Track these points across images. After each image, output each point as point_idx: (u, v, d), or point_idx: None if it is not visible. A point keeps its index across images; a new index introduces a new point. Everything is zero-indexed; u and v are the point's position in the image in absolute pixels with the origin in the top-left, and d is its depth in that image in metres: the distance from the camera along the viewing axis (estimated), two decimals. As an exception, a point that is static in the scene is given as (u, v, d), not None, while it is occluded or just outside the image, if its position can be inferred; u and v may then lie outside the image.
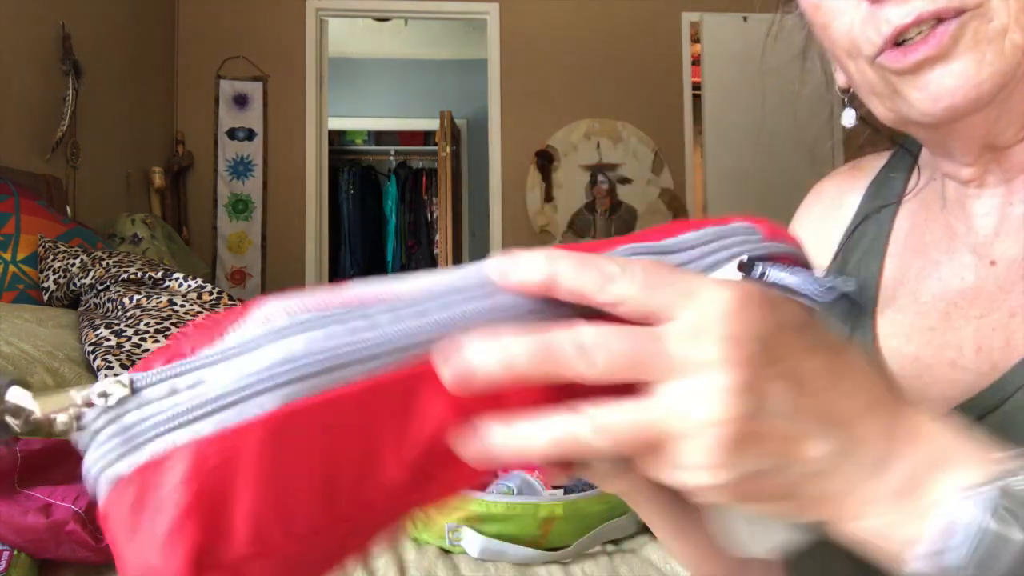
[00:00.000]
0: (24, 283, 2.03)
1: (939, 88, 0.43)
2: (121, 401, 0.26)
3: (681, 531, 0.49)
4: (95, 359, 1.45)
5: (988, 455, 0.28)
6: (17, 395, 0.26)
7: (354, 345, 0.27)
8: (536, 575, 0.95)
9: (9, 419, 0.25)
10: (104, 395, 0.26)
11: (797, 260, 0.36)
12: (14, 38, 2.59)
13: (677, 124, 4.45)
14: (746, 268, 0.31)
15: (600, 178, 4.40)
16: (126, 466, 0.25)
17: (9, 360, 1.30)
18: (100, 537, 0.87)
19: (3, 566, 0.83)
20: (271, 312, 0.28)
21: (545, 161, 4.38)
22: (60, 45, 2.85)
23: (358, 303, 0.28)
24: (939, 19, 0.42)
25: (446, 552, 1.00)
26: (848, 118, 0.54)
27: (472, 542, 0.97)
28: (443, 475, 0.29)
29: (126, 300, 1.84)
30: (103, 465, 0.25)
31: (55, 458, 1.00)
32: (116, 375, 0.27)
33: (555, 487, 1.05)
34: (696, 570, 0.53)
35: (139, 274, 1.96)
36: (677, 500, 0.45)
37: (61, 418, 0.26)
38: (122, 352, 1.47)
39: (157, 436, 0.25)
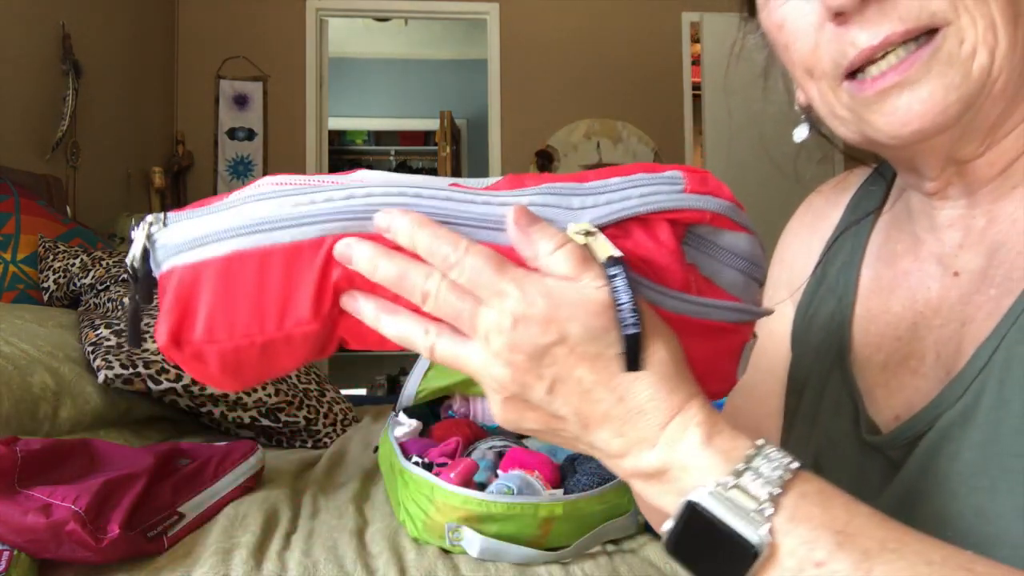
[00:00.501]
0: (24, 283, 2.03)
1: (908, 113, 0.43)
2: (159, 229, 0.40)
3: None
4: (95, 359, 1.45)
5: (719, 464, 0.35)
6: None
7: (292, 216, 0.38)
8: (536, 575, 0.95)
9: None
10: (151, 224, 0.40)
11: (716, 216, 0.40)
12: (14, 38, 2.59)
13: (677, 124, 4.45)
14: (607, 269, 0.37)
15: (600, 178, 4.40)
16: (157, 272, 0.40)
17: (9, 360, 1.30)
18: (100, 537, 0.87)
19: (3, 566, 0.83)
20: (262, 182, 0.40)
21: (545, 161, 4.37)
22: (60, 45, 2.85)
23: (317, 183, 0.39)
24: (907, 41, 0.42)
25: (446, 552, 0.99)
26: (800, 134, 0.54)
27: (472, 542, 0.97)
28: (344, 325, 0.40)
29: (126, 300, 1.84)
30: (154, 267, 0.40)
31: (55, 458, 1.00)
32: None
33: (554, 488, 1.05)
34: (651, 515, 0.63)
35: (139, 274, 1.96)
36: None
37: (137, 239, 0.40)
38: (122, 352, 1.47)
39: (167, 257, 0.39)
